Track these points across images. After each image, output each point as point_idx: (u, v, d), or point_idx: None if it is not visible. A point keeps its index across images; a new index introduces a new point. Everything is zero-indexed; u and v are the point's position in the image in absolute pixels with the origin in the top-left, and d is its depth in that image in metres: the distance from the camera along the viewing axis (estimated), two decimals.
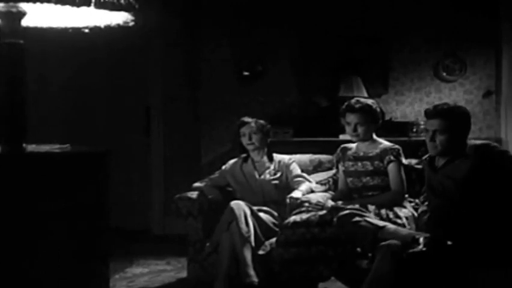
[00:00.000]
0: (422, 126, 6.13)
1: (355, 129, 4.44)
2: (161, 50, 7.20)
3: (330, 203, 4.41)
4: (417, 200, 4.49)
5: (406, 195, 4.51)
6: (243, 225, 4.42)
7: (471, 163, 3.74)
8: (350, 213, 3.93)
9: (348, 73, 6.48)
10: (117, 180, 6.75)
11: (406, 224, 4.14)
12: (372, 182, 4.52)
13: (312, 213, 4.23)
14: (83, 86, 7.36)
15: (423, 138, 5.45)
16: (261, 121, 4.98)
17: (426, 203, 4.19)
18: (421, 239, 3.56)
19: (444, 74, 6.82)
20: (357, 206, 4.09)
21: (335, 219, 4.00)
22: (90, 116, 7.36)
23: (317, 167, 5.41)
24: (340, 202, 4.32)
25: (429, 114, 3.82)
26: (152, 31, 6.93)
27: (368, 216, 3.93)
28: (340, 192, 4.75)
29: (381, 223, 3.90)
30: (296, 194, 4.65)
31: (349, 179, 4.64)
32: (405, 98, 6.92)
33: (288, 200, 4.56)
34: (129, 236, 6.79)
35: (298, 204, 4.49)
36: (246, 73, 6.85)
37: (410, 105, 6.93)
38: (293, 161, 5.10)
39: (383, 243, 3.68)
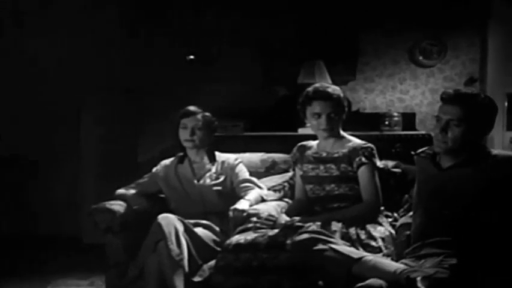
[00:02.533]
0: (396, 119, 5.99)
1: (328, 121, 3.84)
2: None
3: (284, 218, 3.77)
4: (396, 215, 3.91)
5: (382, 208, 3.88)
6: (173, 246, 3.83)
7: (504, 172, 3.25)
8: (310, 238, 3.23)
9: (310, 56, 6.16)
10: (48, 184, 6.53)
11: (383, 246, 3.51)
12: (337, 190, 3.88)
13: (261, 232, 3.65)
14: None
15: (397, 132, 5.80)
16: (209, 115, 4.48)
17: (411, 213, 3.57)
18: (419, 279, 2.84)
19: (421, 57, 6.54)
20: (318, 224, 3.53)
21: (289, 243, 3.34)
22: (16, 118, 6.88)
23: (270, 169, 4.82)
24: (297, 218, 3.69)
25: (446, 98, 3.28)
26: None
27: (335, 242, 3.23)
28: (297, 204, 4.10)
29: (355, 253, 3.18)
30: (242, 204, 4.05)
31: (308, 186, 3.99)
32: (376, 86, 6.65)
33: (231, 213, 3.96)
34: (59, 245, 6.38)
35: (244, 219, 3.90)
36: (191, 57, 6.53)
37: (381, 94, 6.65)
38: (240, 162, 4.53)
39: (361, 284, 2.98)
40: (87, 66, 6.55)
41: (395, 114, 6.00)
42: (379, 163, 3.93)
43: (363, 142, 3.91)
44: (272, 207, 4.08)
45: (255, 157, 4.91)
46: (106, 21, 6.58)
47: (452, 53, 6.54)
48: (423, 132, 6.02)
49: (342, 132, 3.99)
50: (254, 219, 3.82)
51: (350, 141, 3.95)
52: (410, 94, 6.60)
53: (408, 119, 6.17)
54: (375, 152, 3.87)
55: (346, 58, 6.46)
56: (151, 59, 6.54)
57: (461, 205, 3.25)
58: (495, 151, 3.33)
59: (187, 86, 6.42)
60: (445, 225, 3.26)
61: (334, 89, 3.89)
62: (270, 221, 3.77)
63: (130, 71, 6.52)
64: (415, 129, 6.23)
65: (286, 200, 4.34)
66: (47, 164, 6.66)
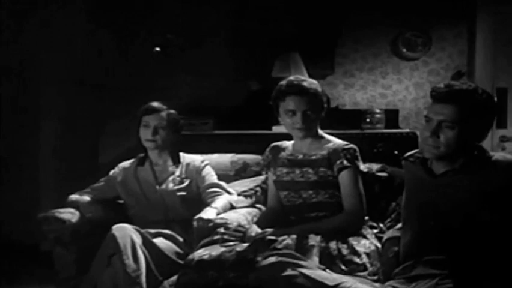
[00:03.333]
0: (378, 116, 5.76)
1: (304, 120, 3.53)
2: None
3: (255, 230, 3.45)
4: (382, 225, 3.65)
5: (366, 218, 3.60)
6: (129, 260, 3.58)
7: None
8: (278, 262, 2.88)
9: (286, 48, 5.94)
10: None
11: (368, 263, 3.20)
12: (315, 197, 3.56)
13: (228, 246, 3.30)
14: None
15: (380, 130, 5.65)
16: (174, 112, 4.27)
17: (399, 225, 3.29)
18: None
19: (404, 50, 6.38)
20: (293, 237, 3.20)
21: (259, 260, 2.99)
22: None
23: (241, 172, 4.67)
24: (269, 230, 3.35)
25: (438, 95, 2.95)
26: None
27: (307, 266, 2.87)
28: (270, 213, 3.79)
29: (330, 279, 2.80)
30: (207, 213, 3.83)
31: (283, 193, 3.66)
32: (356, 80, 6.50)
33: (195, 223, 3.73)
34: (17, 254, 6.09)
35: (209, 230, 3.63)
36: (157, 49, 6.24)
37: (362, 89, 6.50)
38: (207, 164, 4.35)
39: None
40: (48, 59, 6.32)
41: (377, 110, 5.78)
42: (362, 166, 3.65)
43: (344, 143, 3.60)
44: (242, 216, 3.84)
45: (224, 158, 4.74)
46: (69, 11, 6.36)
47: (437, 44, 6.40)
48: (407, 130, 5.85)
49: (320, 132, 3.68)
50: (221, 230, 3.54)
51: (329, 141, 3.63)
52: (393, 89, 6.45)
53: (391, 116, 5.99)
54: (358, 154, 3.56)
55: (324, 50, 6.29)
56: (114, 52, 6.34)
57: (458, 218, 2.96)
58: (496, 154, 3.01)
59: (153, 80, 6.20)
60: (440, 241, 2.98)
61: (311, 83, 3.58)
62: (240, 233, 3.47)
63: (92, 64, 6.30)
64: (398, 127, 6.07)
65: (259, 206, 4.12)
66: (7, 164, 6.43)
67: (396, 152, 4.91)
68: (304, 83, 3.53)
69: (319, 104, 3.57)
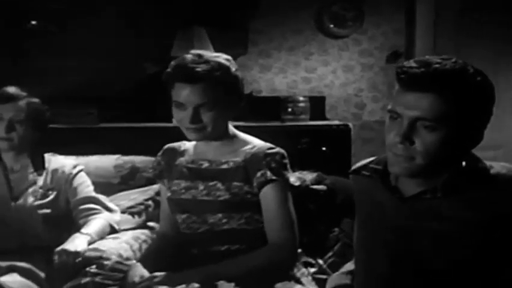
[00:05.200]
0: (301, 104, 5.52)
1: (196, 118, 2.76)
2: None
3: (140, 272, 2.72)
4: (321, 262, 3.08)
5: (299, 251, 2.88)
6: None
7: None
8: None
9: (188, 22, 5.62)
10: None
11: None
12: (227, 224, 2.79)
13: None
14: None
15: (304, 122, 5.47)
16: (37, 101, 3.69)
17: (348, 265, 2.61)
18: None
19: (331, 26, 6.04)
20: (195, 287, 2.50)
21: None
22: None
23: (128, 179, 4.09)
24: (158, 275, 2.63)
25: (410, 79, 2.14)
26: None
27: None
28: (161, 244, 3.03)
29: None
30: (75, 242, 3.21)
31: (180, 216, 2.87)
32: (274, 62, 6.17)
33: (56, 257, 3.09)
34: None
35: (76, 267, 2.93)
36: (33, 22, 5.84)
37: (281, 73, 6.16)
38: (80, 170, 3.70)
39: None
40: None
41: (301, 98, 5.49)
42: (293, 179, 3.13)
43: (267, 145, 2.85)
44: (125, 245, 3.28)
45: (107, 161, 4.18)
46: None
47: (370, 20, 6.12)
48: (337, 122, 5.59)
49: (232, 130, 2.93)
50: (92, 269, 2.79)
51: (246, 143, 2.87)
52: (318, 73, 6.13)
53: (317, 104, 5.74)
54: (287, 161, 2.82)
55: (235, 25, 5.94)
56: None
57: (439, 262, 2.26)
58: (495, 165, 2.28)
59: (26, 61, 5.82)
60: None
61: (214, 63, 2.75)
62: (119, 273, 2.76)
63: None
64: (325, 118, 5.84)
65: (152, 224, 3.63)
66: None
67: (324, 149, 4.81)
68: (202, 65, 2.70)
69: (227, 93, 2.79)
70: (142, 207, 3.78)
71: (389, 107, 2.17)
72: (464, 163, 2.19)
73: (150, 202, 3.78)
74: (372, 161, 2.39)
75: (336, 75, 6.12)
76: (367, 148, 5.82)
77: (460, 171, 2.19)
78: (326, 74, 6.12)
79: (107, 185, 3.94)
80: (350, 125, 5.20)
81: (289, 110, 5.47)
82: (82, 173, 3.67)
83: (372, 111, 5.92)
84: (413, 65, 2.11)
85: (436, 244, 2.20)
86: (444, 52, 5.72)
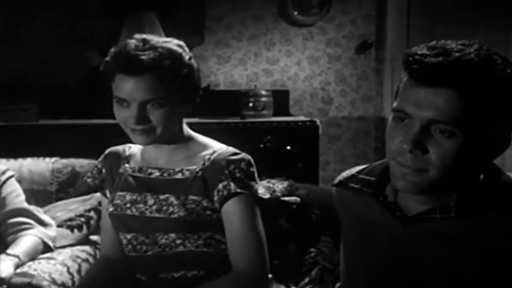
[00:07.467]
0: (264, 99, 5.32)
1: (142, 117, 2.35)
2: None
3: None
4: None
5: (270, 277, 2.47)
6: None
7: None
8: None
9: (137, 7, 5.36)
10: None
11: None
12: (182, 245, 2.42)
13: None
14: None
15: (267, 118, 5.33)
16: None
17: None
18: None
19: (295, 13, 5.79)
20: None
21: None
22: None
23: (67, 186, 3.67)
24: None
25: (424, 69, 1.74)
26: None
27: None
28: (102, 270, 2.59)
29: None
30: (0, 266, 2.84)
31: (125, 236, 2.47)
32: (233, 52, 5.92)
33: None
34: None
35: None
36: None
37: (241, 64, 5.91)
38: (10, 177, 3.34)
39: None
40: None
41: (263, 92, 5.28)
42: (261, 189, 2.58)
43: (230, 151, 2.46)
44: (61, 267, 2.88)
45: (42, 165, 3.73)
46: None
47: (338, 7, 5.87)
48: (303, 118, 5.36)
49: (188, 132, 2.53)
50: None
51: (204, 148, 2.47)
52: (281, 64, 5.88)
53: (280, 99, 5.53)
54: (254, 169, 2.43)
55: (189, 12, 5.70)
56: None
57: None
58: None
59: None
60: None
61: (161, 49, 2.35)
62: None
63: None
64: (289, 114, 5.65)
65: (95, 238, 3.27)
66: None
67: (288, 148, 4.74)
68: (147, 52, 2.29)
69: (179, 87, 2.39)
70: (83, 219, 3.37)
71: (394, 105, 1.81)
72: (482, 176, 1.84)
73: (92, 213, 3.38)
74: (362, 170, 2.01)
75: (301, 67, 5.89)
76: (334, 146, 5.63)
77: (479, 184, 1.84)
78: (290, 65, 5.90)
79: (42, 193, 3.59)
80: (318, 121, 4.95)
81: (250, 105, 5.26)
82: (12, 180, 3.29)
83: (340, 106, 5.75)
84: (427, 52, 1.75)
85: (446, 277, 1.86)
86: (419, 41, 5.62)
